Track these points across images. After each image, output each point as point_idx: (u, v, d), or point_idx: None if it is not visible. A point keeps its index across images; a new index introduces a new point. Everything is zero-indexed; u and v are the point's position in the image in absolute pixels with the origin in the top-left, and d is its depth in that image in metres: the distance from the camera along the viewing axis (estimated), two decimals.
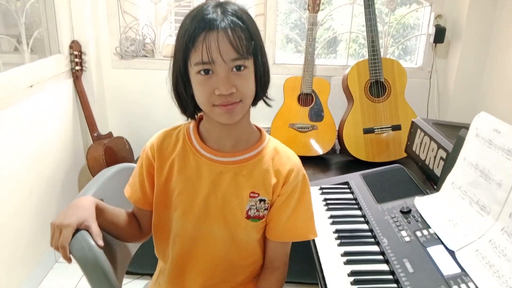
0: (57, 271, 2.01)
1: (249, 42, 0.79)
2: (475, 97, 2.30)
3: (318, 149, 2.17)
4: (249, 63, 0.81)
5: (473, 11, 2.16)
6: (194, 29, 0.77)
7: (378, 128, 2.10)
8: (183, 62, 0.81)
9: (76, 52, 2.18)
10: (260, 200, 0.90)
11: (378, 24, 2.08)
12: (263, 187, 0.90)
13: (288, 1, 2.45)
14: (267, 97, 0.90)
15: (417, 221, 1.08)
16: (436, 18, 2.27)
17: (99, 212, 0.90)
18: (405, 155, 1.88)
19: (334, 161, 2.21)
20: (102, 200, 0.93)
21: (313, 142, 2.17)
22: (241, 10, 0.81)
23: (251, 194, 0.90)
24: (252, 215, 0.91)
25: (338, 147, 2.25)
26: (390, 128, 2.11)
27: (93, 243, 0.83)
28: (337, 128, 2.17)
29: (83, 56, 2.24)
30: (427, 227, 1.05)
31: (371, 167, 1.42)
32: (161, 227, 0.96)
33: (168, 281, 0.97)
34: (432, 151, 1.36)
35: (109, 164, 2.14)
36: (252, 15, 0.84)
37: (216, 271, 0.95)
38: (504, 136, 0.99)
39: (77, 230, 0.83)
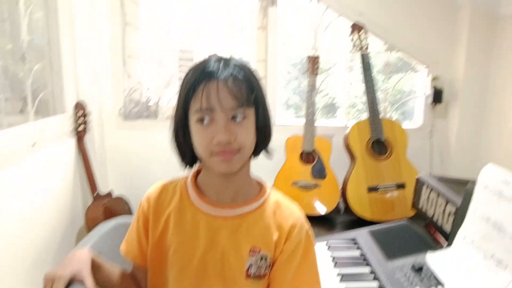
0: None
1: (249, 92, 0.80)
2: (476, 154, 2.31)
3: (322, 208, 2.13)
4: (249, 113, 0.81)
5: (468, 71, 2.23)
6: (195, 79, 0.79)
7: (382, 186, 2.07)
8: (184, 111, 0.81)
9: (80, 113, 2.21)
10: (262, 257, 0.86)
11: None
12: (264, 243, 0.86)
13: (287, 71, 2.55)
14: (267, 151, 0.89)
15: (429, 278, 1.03)
16: (433, 80, 2.33)
17: (96, 269, 0.85)
18: (411, 214, 1.85)
19: (339, 220, 2.15)
20: (99, 254, 0.89)
21: (316, 201, 2.13)
22: (243, 63, 0.83)
23: (251, 251, 0.85)
24: (252, 274, 0.85)
25: (342, 206, 2.21)
26: (395, 187, 2.08)
27: None
28: (340, 187, 2.15)
29: (87, 117, 2.27)
30: (441, 284, 1.00)
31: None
32: (157, 287, 0.90)
33: None
34: (440, 206, 1.32)
35: None
36: None
37: None
38: None
39: (72, 284, 0.79)
